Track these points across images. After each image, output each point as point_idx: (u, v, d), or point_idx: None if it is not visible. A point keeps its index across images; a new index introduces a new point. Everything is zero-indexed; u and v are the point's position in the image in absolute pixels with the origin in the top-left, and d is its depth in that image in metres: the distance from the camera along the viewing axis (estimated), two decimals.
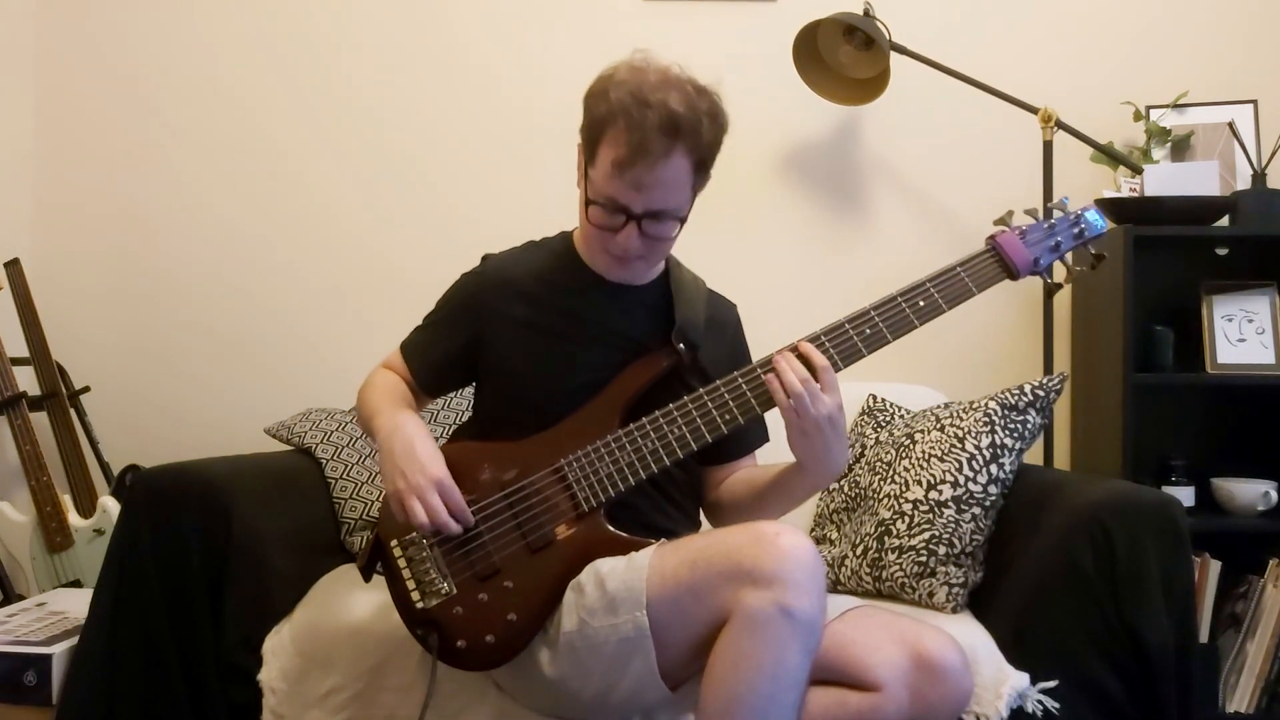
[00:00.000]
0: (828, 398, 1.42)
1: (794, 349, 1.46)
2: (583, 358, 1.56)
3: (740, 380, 1.48)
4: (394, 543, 1.49)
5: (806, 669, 1.28)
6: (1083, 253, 1.61)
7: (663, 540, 1.45)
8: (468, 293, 1.62)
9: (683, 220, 1.51)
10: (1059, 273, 1.64)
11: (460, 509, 1.44)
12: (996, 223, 1.57)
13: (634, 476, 1.47)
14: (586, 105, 1.49)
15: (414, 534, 1.48)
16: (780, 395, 1.42)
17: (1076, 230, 1.57)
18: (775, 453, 1.60)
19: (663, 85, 1.43)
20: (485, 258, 1.66)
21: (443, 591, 1.46)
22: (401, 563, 1.48)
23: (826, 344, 1.48)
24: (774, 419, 1.52)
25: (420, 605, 1.46)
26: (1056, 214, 1.59)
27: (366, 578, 1.54)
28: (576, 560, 1.45)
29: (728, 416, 1.48)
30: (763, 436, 1.71)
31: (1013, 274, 1.54)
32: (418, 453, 1.45)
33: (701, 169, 1.49)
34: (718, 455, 1.63)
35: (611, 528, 1.47)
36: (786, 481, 1.54)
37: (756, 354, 1.64)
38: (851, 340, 1.48)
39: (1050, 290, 1.66)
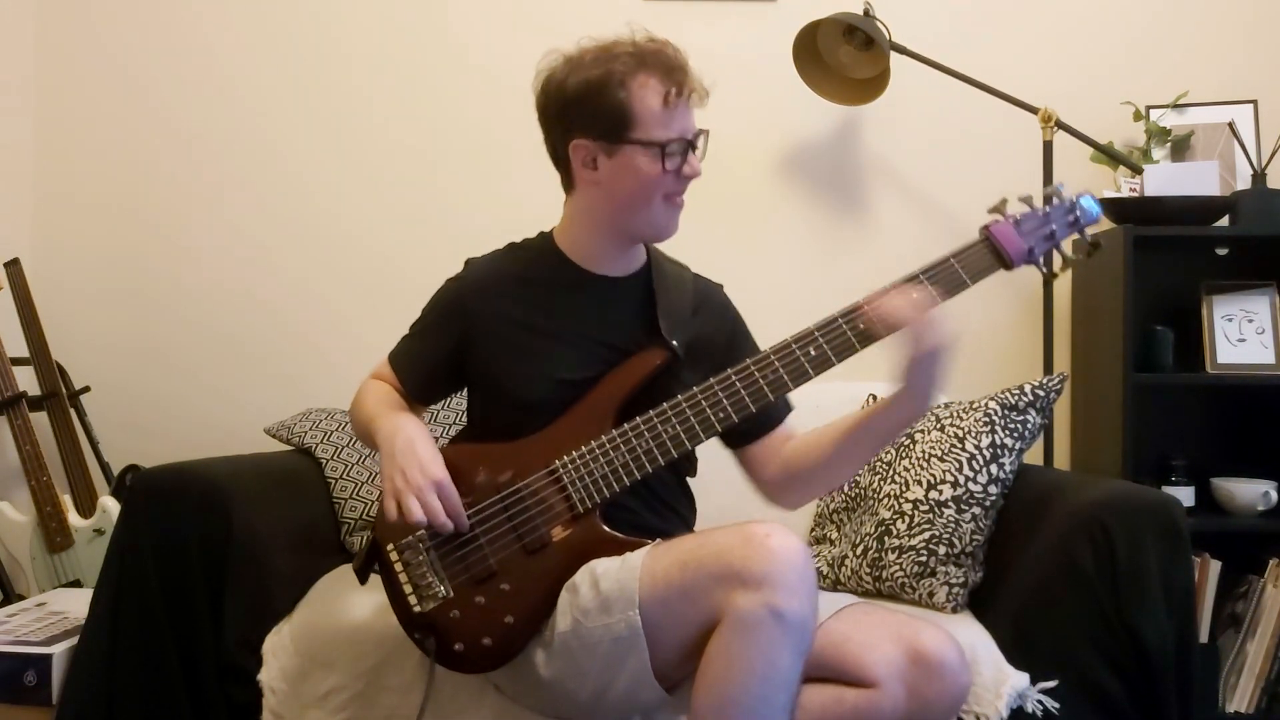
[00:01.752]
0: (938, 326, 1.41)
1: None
2: (572, 355, 1.55)
3: (733, 377, 1.47)
4: (390, 546, 1.49)
5: (798, 669, 1.28)
6: (1079, 241, 1.59)
7: (658, 540, 1.45)
8: (451, 298, 1.62)
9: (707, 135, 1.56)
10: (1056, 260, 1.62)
11: (457, 511, 1.44)
12: (991, 211, 1.54)
13: (629, 477, 1.47)
14: (582, 93, 1.50)
15: (410, 537, 1.47)
16: (908, 313, 1.40)
17: (1071, 218, 1.54)
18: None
19: (616, 39, 1.53)
20: (467, 262, 1.65)
21: (439, 595, 1.45)
22: (398, 566, 1.48)
23: (820, 339, 1.47)
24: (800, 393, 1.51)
25: (417, 609, 1.46)
26: (1052, 201, 1.56)
27: (362, 580, 1.54)
28: (573, 561, 1.45)
29: (721, 415, 1.47)
30: (788, 406, 1.66)
31: (1007, 264, 1.50)
32: (418, 452, 1.45)
33: None
34: (750, 434, 1.60)
35: (607, 528, 1.47)
36: (878, 422, 1.50)
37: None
38: (845, 335, 1.47)
39: (1047, 279, 1.63)
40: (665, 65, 1.49)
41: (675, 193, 1.53)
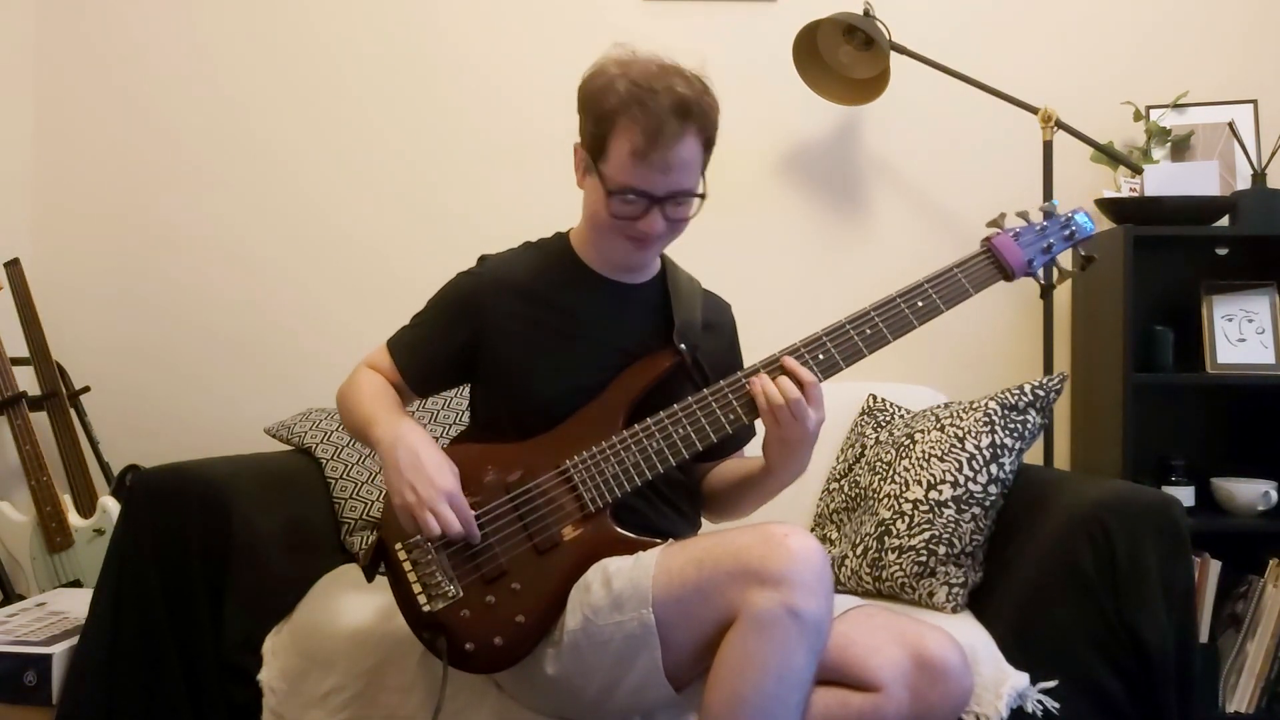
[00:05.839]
0: (813, 412, 1.45)
1: (778, 364, 1.47)
2: (584, 358, 1.56)
3: (744, 381, 1.49)
4: (398, 546, 1.48)
5: (813, 670, 1.29)
6: (1074, 254, 1.62)
7: (670, 540, 1.45)
8: (465, 293, 1.60)
9: (703, 197, 1.52)
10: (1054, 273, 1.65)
11: (468, 520, 1.44)
12: (990, 224, 1.60)
13: (639, 477, 1.48)
14: (587, 103, 1.50)
15: (418, 536, 1.47)
16: (763, 403, 1.44)
17: (1067, 232, 1.61)
18: (756, 445, 1.64)
19: (663, 73, 1.47)
20: (482, 259, 1.65)
21: (449, 594, 1.45)
22: (407, 566, 1.47)
23: (828, 344, 1.49)
24: None
25: (427, 608, 1.45)
26: (1047, 216, 1.62)
27: (369, 578, 1.54)
28: (584, 561, 1.45)
29: (732, 416, 1.48)
30: (751, 432, 1.73)
31: (1008, 275, 1.57)
32: (425, 463, 1.44)
33: (708, 147, 1.52)
34: (711, 452, 1.63)
35: (619, 528, 1.47)
36: (760, 482, 1.58)
37: (748, 353, 1.65)
38: (853, 340, 1.50)
39: (1044, 291, 1.69)
40: (655, 123, 1.43)
41: (637, 237, 1.51)
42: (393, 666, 1.65)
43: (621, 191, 1.47)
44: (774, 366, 1.48)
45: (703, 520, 1.71)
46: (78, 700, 1.71)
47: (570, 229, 1.66)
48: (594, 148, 1.49)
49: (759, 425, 1.52)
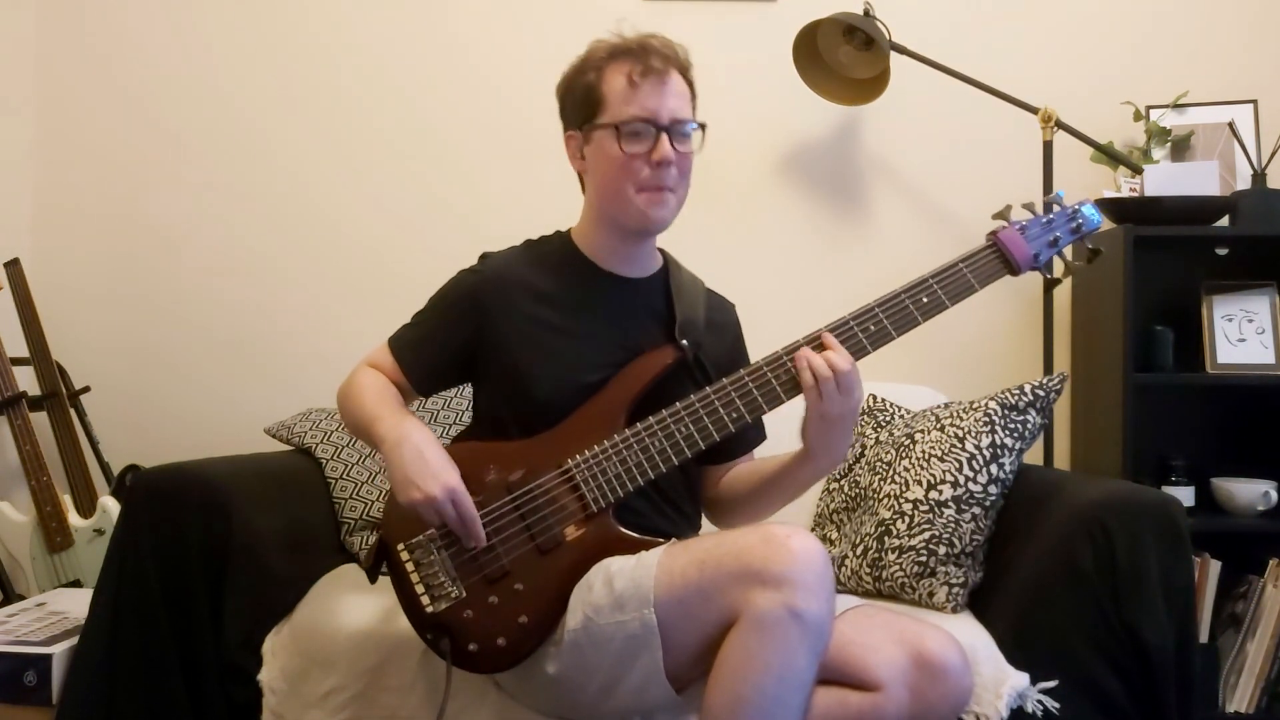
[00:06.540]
0: (856, 390, 1.44)
1: (818, 340, 1.46)
2: (586, 355, 1.55)
3: (746, 379, 1.48)
4: (400, 547, 1.48)
5: (814, 671, 1.29)
6: (1079, 247, 1.61)
7: (673, 540, 1.45)
8: (467, 290, 1.60)
9: (703, 126, 1.55)
10: (1057, 267, 1.64)
11: (473, 519, 1.43)
12: (995, 217, 1.57)
13: (642, 476, 1.47)
14: (569, 79, 1.58)
15: (420, 537, 1.47)
16: (808, 376, 1.43)
17: (1074, 225, 1.58)
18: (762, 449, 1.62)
19: (634, 33, 1.56)
20: (484, 256, 1.64)
21: (452, 595, 1.45)
22: (409, 566, 1.47)
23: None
24: (770, 417, 1.54)
25: (430, 609, 1.45)
26: (1054, 209, 1.59)
27: (372, 579, 1.53)
28: (586, 561, 1.45)
29: (734, 415, 1.48)
30: (761, 435, 1.72)
31: (1014, 270, 1.54)
32: (429, 461, 1.44)
33: (691, 90, 1.57)
34: (719, 454, 1.63)
35: (621, 528, 1.47)
36: (793, 471, 1.55)
37: (753, 352, 1.64)
38: (856, 337, 1.49)
39: (1049, 285, 1.67)
40: (641, 52, 1.51)
41: (649, 184, 1.51)
42: (393, 666, 1.65)
43: (628, 122, 1.49)
44: (816, 344, 1.46)
45: (703, 523, 1.71)
46: (78, 700, 1.71)
47: (570, 227, 1.66)
48: (587, 109, 1.53)
49: (768, 428, 1.51)
